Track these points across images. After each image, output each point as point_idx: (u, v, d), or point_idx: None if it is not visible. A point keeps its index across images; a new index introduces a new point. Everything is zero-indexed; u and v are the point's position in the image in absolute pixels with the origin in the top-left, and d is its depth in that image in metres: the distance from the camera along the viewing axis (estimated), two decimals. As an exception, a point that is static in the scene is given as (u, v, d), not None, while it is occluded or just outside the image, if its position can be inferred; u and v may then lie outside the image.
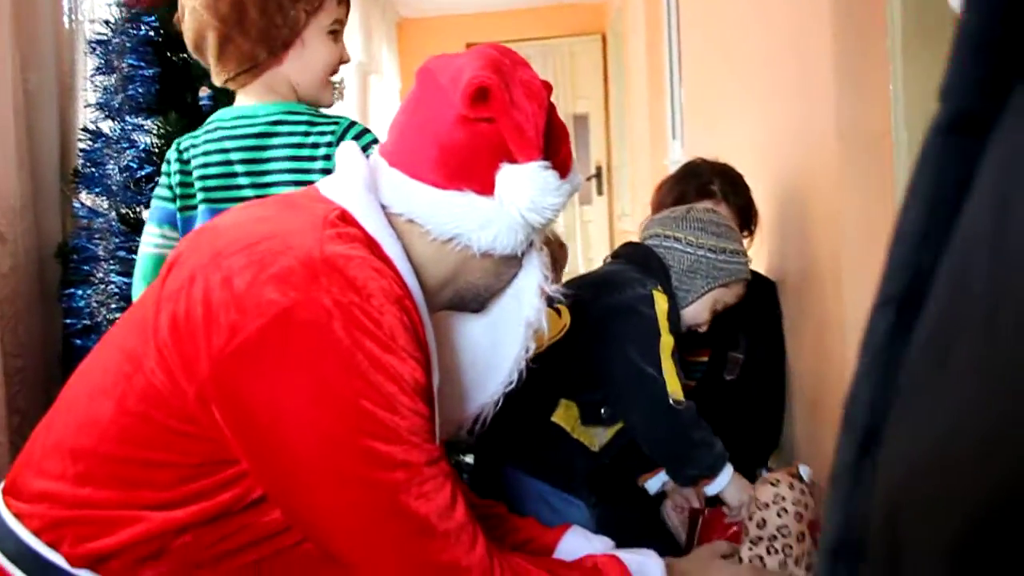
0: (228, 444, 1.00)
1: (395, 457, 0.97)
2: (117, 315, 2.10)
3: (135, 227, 2.16)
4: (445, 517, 0.99)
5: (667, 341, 1.63)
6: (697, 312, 1.77)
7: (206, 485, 1.01)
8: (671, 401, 1.58)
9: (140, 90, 2.14)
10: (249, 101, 1.68)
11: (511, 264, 1.19)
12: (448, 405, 1.22)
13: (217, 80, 1.67)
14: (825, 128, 1.99)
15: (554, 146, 1.13)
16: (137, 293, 1.73)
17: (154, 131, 2.18)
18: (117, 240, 2.13)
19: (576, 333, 1.61)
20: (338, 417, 0.96)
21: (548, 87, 1.15)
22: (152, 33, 2.19)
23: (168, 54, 2.23)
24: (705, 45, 3.54)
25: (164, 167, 1.74)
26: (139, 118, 2.15)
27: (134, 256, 2.13)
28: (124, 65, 2.14)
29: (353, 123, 1.64)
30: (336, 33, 1.69)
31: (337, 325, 0.95)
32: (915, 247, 0.49)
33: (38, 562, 1.02)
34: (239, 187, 1.64)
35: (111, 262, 2.12)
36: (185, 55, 2.28)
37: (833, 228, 1.94)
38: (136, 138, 2.16)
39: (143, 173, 2.15)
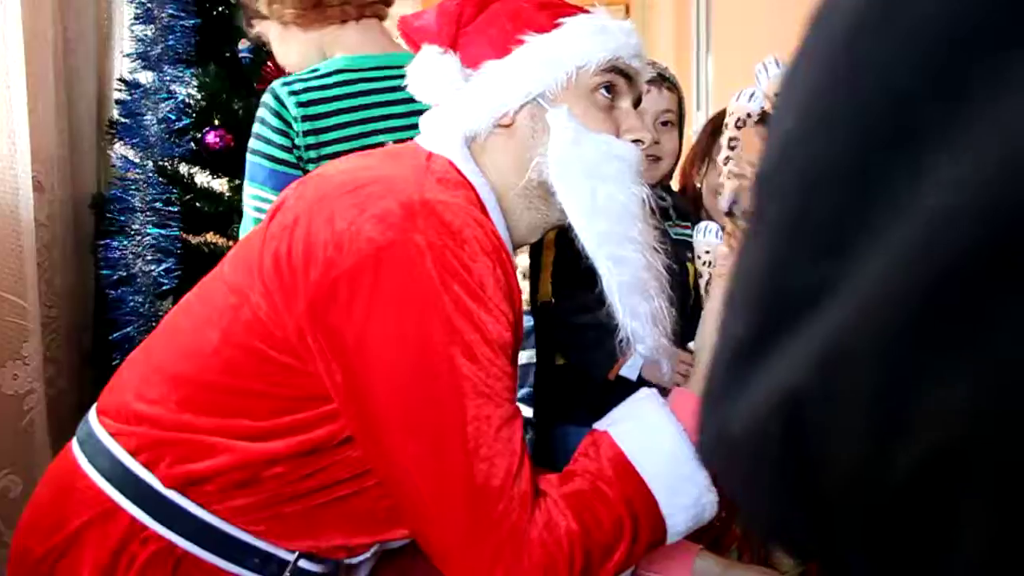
0: (325, 378, 1.01)
1: (467, 411, 0.96)
2: (153, 267, 2.09)
3: (172, 179, 2.15)
4: (508, 484, 0.96)
5: None
6: None
7: (302, 419, 1.02)
8: None
9: (179, 41, 2.12)
10: (370, 45, 1.68)
11: (516, 141, 1.13)
12: None
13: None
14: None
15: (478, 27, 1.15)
16: None
17: (192, 83, 2.16)
18: (154, 191, 2.11)
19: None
20: (416, 358, 0.96)
21: None
22: (192, -17, 2.16)
23: (207, 5, 2.21)
24: (740, 9, 3.49)
25: (275, 123, 1.59)
26: (177, 69, 2.13)
27: (171, 208, 2.14)
28: (164, 15, 2.12)
29: None
30: None
31: (429, 264, 0.95)
32: None
33: (131, 479, 1.04)
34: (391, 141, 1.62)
35: (147, 213, 2.11)
36: (224, 7, 2.28)
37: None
38: (174, 89, 2.14)
39: (180, 125, 2.14)
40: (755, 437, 0.32)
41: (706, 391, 0.37)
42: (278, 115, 1.58)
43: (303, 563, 1.08)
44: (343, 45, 1.69)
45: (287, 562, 1.07)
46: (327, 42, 1.70)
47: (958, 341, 0.26)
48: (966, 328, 0.25)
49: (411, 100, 1.63)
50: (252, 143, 1.62)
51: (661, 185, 1.75)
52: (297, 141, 1.58)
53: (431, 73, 1.17)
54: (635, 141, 1.14)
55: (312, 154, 1.58)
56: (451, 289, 0.95)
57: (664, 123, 1.70)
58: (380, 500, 1.06)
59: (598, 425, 1.09)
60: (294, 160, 1.59)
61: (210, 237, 2.32)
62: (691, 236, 1.72)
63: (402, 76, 1.65)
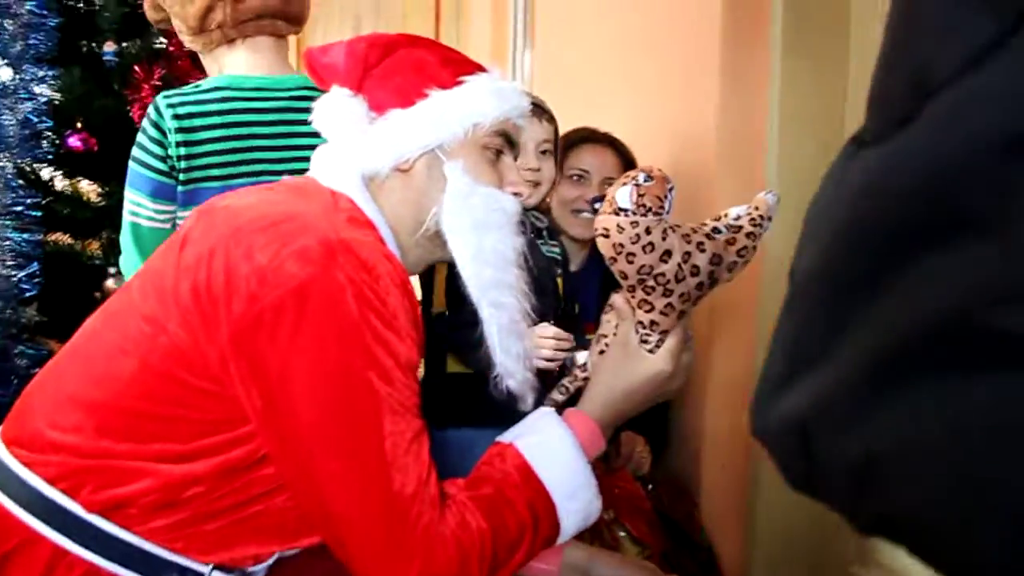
0: (244, 402, 1.08)
1: (384, 428, 1.07)
2: (14, 272, 2.04)
3: (34, 182, 2.10)
4: (420, 490, 1.08)
5: None
6: None
7: (221, 441, 1.09)
8: None
9: (41, 40, 2.05)
10: (258, 65, 1.74)
11: (412, 185, 1.25)
12: None
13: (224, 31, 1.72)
14: (705, 127, 2.19)
15: (381, 76, 1.26)
16: (131, 264, 1.69)
17: (55, 84, 2.10)
18: (13, 195, 2.05)
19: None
20: (339, 383, 1.05)
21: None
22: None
23: (71, 3, 2.15)
24: (560, 5, 3.52)
25: (152, 133, 1.66)
26: (40, 68, 2.07)
27: (32, 213, 2.09)
28: (23, 11, 2.04)
29: None
30: None
31: (349, 298, 1.05)
32: None
33: (52, 508, 1.08)
34: (262, 161, 1.69)
35: (6, 217, 2.04)
36: (87, 5, 2.22)
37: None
38: (35, 90, 2.07)
39: (42, 126, 2.08)
40: (784, 435, 0.56)
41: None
42: (156, 126, 1.65)
43: (216, 574, 1.14)
44: (231, 65, 1.77)
45: (202, 574, 1.13)
46: (222, 62, 1.77)
47: (889, 399, 0.48)
48: (896, 391, 0.48)
49: (286, 123, 1.73)
50: (133, 151, 1.68)
51: (539, 208, 1.91)
52: (171, 151, 1.65)
53: (338, 113, 1.26)
54: (515, 194, 1.30)
55: (183, 164, 1.65)
56: (369, 320, 1.06)
57: (543, 151, 1.86)
58: (291, 512, 1.15)
59: (502, 438, 1.24)
60: (167, 169, 1.66)
61: (61, 237, 2.28)
62: (559, 253, 1.92)
63: (283, 99, 1.75)
